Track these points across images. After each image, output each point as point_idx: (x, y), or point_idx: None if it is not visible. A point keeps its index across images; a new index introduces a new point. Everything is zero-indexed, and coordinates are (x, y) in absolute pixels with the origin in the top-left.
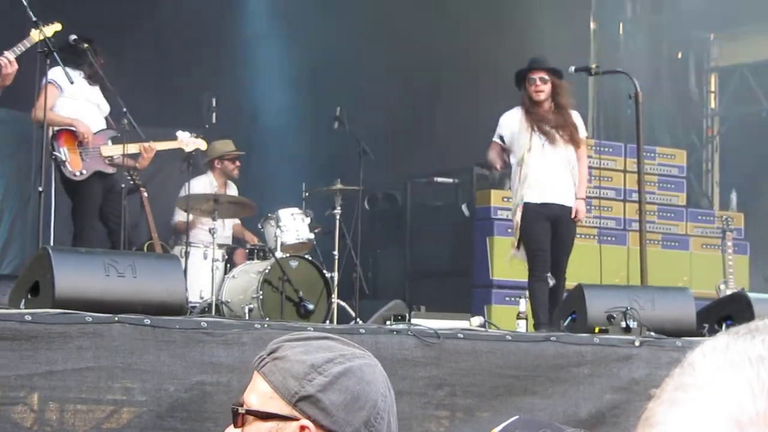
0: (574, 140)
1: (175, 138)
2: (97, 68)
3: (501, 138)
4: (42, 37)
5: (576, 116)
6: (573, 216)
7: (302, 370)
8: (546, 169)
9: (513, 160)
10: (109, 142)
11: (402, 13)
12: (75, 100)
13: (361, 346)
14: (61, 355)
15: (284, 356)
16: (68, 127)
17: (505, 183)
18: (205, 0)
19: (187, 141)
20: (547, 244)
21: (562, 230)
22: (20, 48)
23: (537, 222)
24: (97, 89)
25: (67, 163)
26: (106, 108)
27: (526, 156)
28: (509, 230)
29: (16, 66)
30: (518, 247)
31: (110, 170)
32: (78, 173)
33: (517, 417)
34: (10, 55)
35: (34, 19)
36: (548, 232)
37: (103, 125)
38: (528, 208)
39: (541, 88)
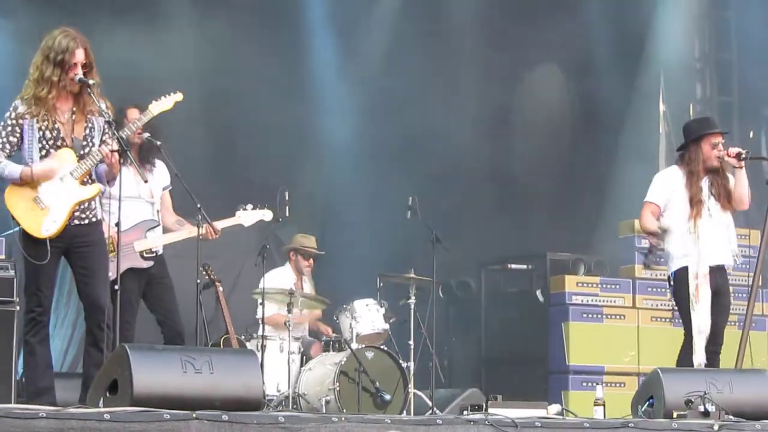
0: (731, 205)
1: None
2: (169, 162)
3: (656, 201)
4: (163, 109)
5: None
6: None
7: None
8: (711, 234)
9: (666, 222)
10: (147, 235)
11: (478, 99)
12: (114, 199)
13: None
14: None
15: None
16: None
17: (579, 268)
18: (280, 93)
19: (244, 216)
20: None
21: (723, 293)
22: (136, 124)
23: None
24: (148, 180)
25: None
26: (157, 193)
27: (691, 222)
28: (586, 315)
29: (116, 157)
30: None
31: (144, 265)
32: None
33: None
34: (113, 144)
35: None
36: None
37: (148, 216)
38: (690, 274)
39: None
